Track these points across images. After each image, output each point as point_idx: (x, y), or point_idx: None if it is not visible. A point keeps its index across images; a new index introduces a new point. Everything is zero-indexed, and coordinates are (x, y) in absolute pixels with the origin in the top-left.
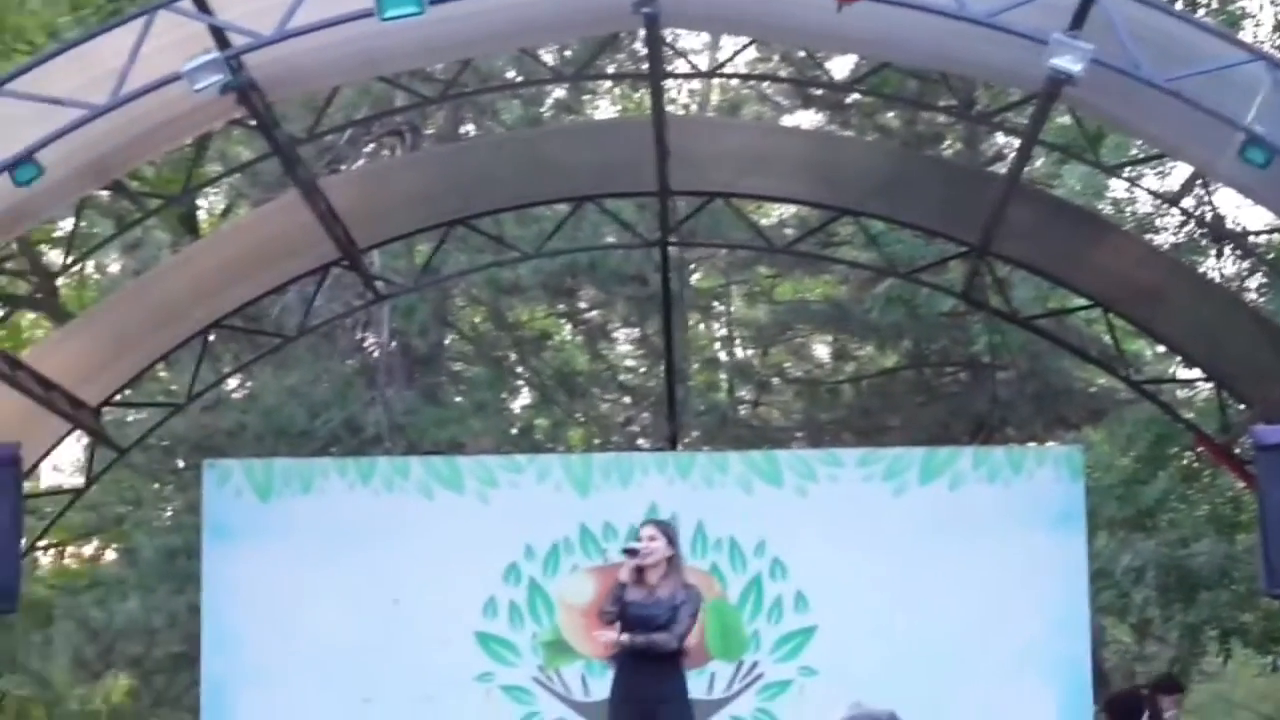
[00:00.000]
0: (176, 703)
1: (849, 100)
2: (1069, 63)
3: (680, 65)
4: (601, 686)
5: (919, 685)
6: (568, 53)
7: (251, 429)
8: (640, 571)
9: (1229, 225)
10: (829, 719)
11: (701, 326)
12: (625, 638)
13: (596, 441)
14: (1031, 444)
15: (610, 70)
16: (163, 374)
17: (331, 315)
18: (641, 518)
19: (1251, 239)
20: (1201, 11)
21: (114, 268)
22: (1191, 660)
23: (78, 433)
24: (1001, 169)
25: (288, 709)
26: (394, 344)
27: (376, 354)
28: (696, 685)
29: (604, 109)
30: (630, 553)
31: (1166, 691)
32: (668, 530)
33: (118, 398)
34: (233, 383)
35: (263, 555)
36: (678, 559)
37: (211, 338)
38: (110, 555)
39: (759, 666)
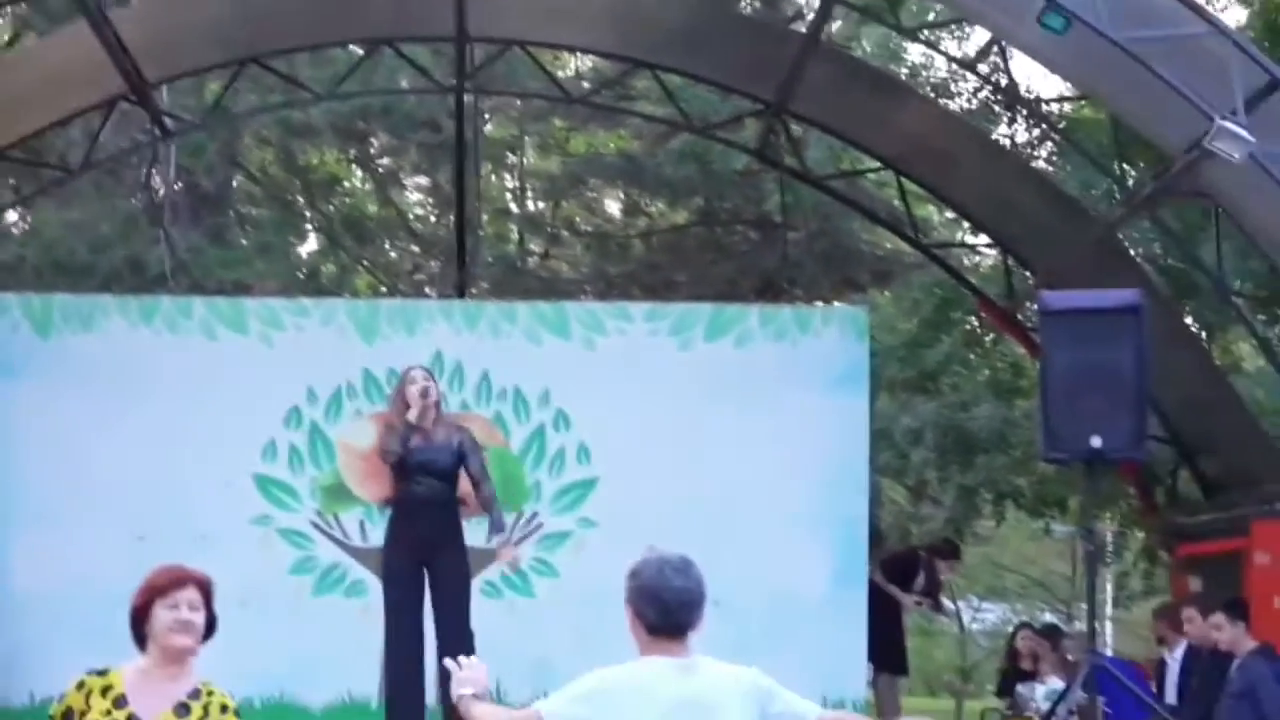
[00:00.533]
0: None
1: None
2: None
3: None
4: (379, 533)
5: (698, 540)
6: None
7: (30, 263)
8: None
9: (1023, 93)
10: (608, 569)
11: (494, 177)
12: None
13: (384, 290)
14: (818, 304)
15: None
16: None
17: (117, 151)
18: (428, 365)
19: (1044, 107)
20: None
21: None
22: (965, 522)
23: None
24: (801, 27)
25: (62, 547)
26: (180, 183)
27: (162, 192)
28: (475, 534)
29: None
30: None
31: (944, 555)
32: (432, 375)
33: None
34: (12, 215)
35: (42, 392)
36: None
37: None
38: None
39: (539, 517)
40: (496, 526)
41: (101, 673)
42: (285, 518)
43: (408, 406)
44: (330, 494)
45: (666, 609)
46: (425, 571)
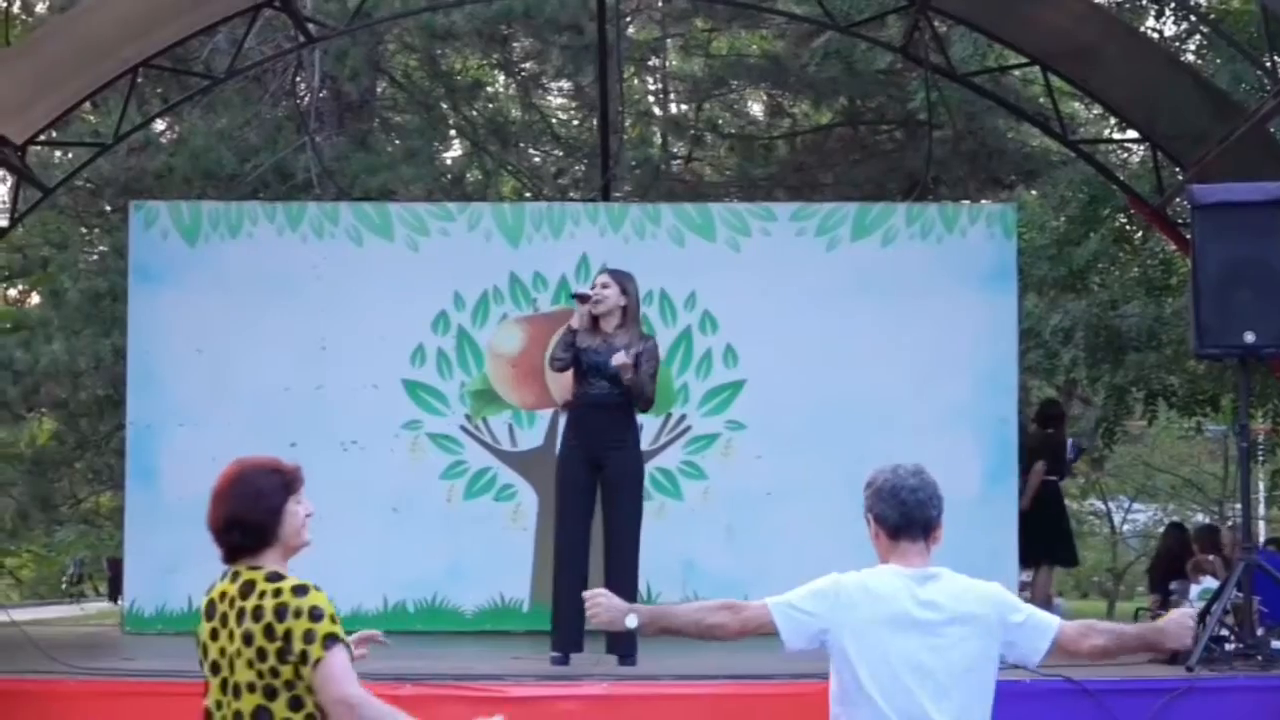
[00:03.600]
0: (102, 446)
1: None
2: None
3: None
4: (528, 437)
5: (845, 440)
6: None
7: (179, 172)
8: (595, 319)
9: None
10: (755, 471)
11: (636, 80)
12: (632, 365)
13: (528, 194)
14: (965, 202)
15: None
16: (90, 116)
17: (261, 58)
18: (573, 268)
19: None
20: None
21: (40, 7)
22: (1115, 422)
23: (2, 171)
24: None
25: (213, 452)
26: (325, 89)
27: (307, 99)
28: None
29: None
30: (581, 298)
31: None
32: (623, 280)
33: (43, 137)
34: (160, 125)
35: (189, 299)
36: (634, 309)
37: (140, 79)
38: (35, 299)
39: (686, 419)
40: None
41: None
42: (435, 422)
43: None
44: (479, 399)
45: (906, 508)
46: (598, 474)
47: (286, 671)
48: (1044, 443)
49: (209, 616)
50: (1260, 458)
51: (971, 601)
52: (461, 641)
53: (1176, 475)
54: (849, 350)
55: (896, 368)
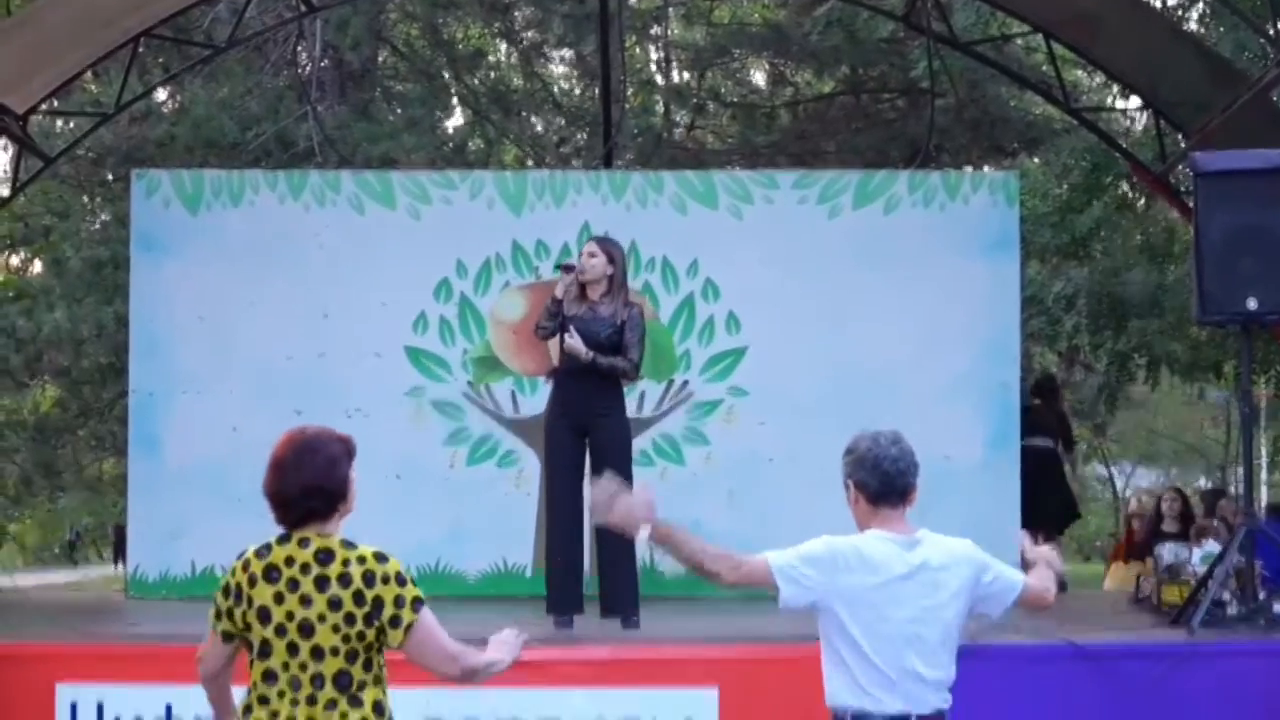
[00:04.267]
0: (105, 413)
1: None
2: None
3: None
4: (530, 403)
5: (848, 408)
6: None
7: (181, 140)
8: (581, 288)
9: None
10: (758, 438)
11: (638, 48)
12: (590, 355)
13: (530, 162)
14: (968, 169)
15: None
16: (91, 86)
17: (263, 27)
18: (575, 236)
19: None
20: None
21: None
22: (1118, 388)
23: (4, 141)
24: None
25: (216, 420)
26: (326, 58)
27: (308, 68)
28: (627, 404)
29: None
30: (567, 269)
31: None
32: (609, 248)
33: (45, 106)
34: (162, 94)
35: (191, 267)
36: (620, 278)
37: (141, 49)
38: (37, 267)
39: (689, 386)
40: (609, 364)
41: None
42: (438, 389)
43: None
44: (482, 365)
45: (887, 476)
46: (585, 440)
47: (370, 635)
48: (1039, 415)
49: (270, 580)
50: (1263, 423)
51: (953, 562)
52: (464, 607)
53: (1179, 441)
54: (851, 318)
55: (898, 335)
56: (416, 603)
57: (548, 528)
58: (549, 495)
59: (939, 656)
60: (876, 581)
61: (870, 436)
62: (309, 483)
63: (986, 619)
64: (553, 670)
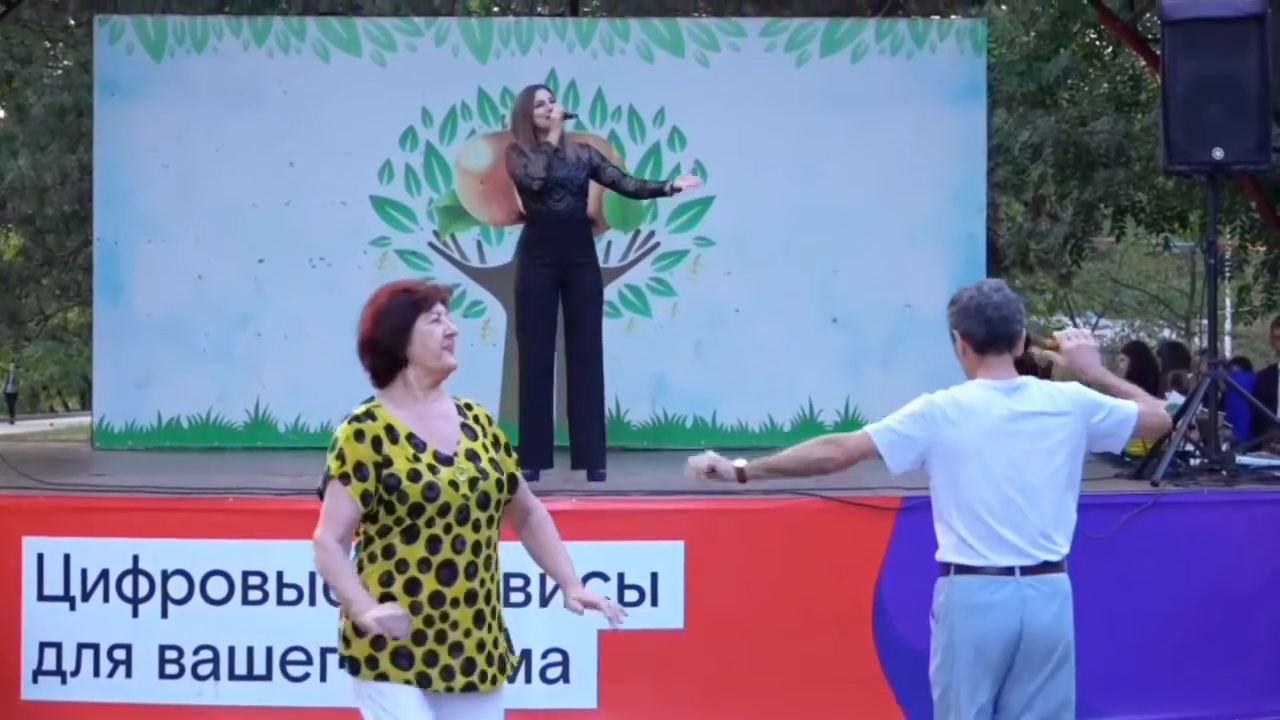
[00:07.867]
0: (69, 262)
1: None
2: None
3: None
4: (497, 253)
5: (814, 256)
6: None
7: None
8: (536, 135)
9: None
10: (724, 288)
11: None
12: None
13: (496, 9)
14: (935, 17)
15: None
16: None
17: None
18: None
19: None
20: None
21: None
22: (1084, 238)
23: None
24: None
25: (181, 267)
26: None
27: None
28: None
29: None
30: (567, 116)
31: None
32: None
33: None
34: None
35: (156, 114)
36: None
37: None
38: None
39: (655, 236)
40: (660, 185)
41: (368, 415)
42: (403, 239)
43: (537, 129)
44: (447, 215)
45: (991, 323)
46: (560, 290)
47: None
48: None
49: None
50: (1227, 274)
51: (1060, 403)
52: None
53: (1144, 291)
54: (818, 166)
55: (865, 183)
56: (326, 476)
57: (520, 382)
58: (523, 349)
59: (1046, 505)
60: (977, 429)
61: (975, 286)
62: (360, 339)
63: (1111, 454)
64: None
